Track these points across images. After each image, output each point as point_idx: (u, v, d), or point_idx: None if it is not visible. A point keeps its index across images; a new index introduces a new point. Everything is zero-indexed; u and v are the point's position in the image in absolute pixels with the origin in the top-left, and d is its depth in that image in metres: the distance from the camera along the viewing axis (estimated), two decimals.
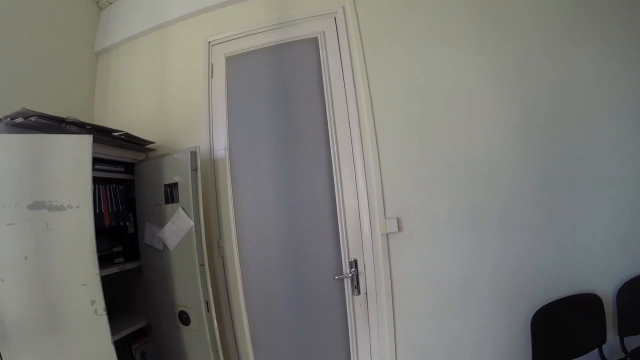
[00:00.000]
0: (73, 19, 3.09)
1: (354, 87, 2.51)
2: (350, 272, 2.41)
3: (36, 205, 1.85)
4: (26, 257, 1.81)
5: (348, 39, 2.58)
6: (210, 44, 2.86)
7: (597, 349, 2.23)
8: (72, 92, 2.99)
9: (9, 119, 2.02)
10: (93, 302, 1.91)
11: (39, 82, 2.65)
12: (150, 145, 2.71)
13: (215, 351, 2.28)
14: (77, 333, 1.89)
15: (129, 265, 2.48)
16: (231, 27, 2.83)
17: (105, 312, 1.92)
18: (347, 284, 2.43)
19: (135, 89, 3.06)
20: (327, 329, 2.47)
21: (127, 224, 2.54)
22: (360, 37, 2.56)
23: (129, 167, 2.64)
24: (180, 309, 2.37)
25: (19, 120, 2.02)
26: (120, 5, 3.30)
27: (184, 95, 2.85)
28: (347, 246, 2.44)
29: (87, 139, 2.01)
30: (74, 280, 1.90)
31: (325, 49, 2.62)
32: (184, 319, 2.36)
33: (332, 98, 2.54)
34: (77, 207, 1.93)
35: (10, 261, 1.80)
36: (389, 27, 2.56)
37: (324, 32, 2.64)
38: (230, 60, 2.81)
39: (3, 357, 1.72)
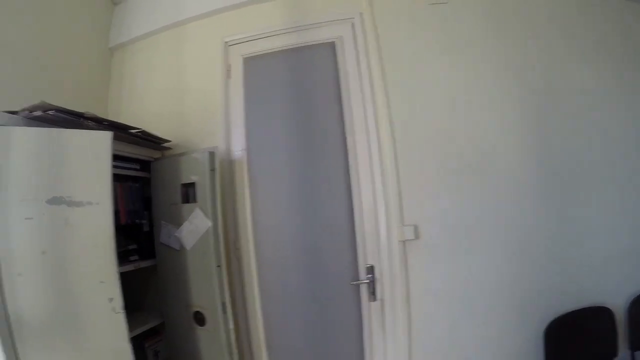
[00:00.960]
0: (87, 13, 3.02)
1: (372, 92, 2.48)
2: (367, 278, 2.36)
3: (55, 201, 1.79)
4: (44, 252, 1.75)
5: (366, 44, 2.55)
6: (228, 44, 2.81)
7: None
8: (86, 87, 2.90)
9: (27, 111, 1.96)
10: (111, 300, 1.85)
11: (53, 76, 2.56)
12: (166, 144, 2.65)
13: (231, 353, 2.24)
14: (94, 330, 1.83)
15: (144, 264, 2.41)
16: (249, 28, 2.78)
17: (123, 310, 1.86)
18: (363, 290, 2.39)
19: (151, 86, 2.99)
20: (342, 334, 2.43)
21: (143, 222, 2.49)
22: (378, 43, 2.54)
23: (144, 164, 2.58)
24: (195, 309, 2.32)
25: (38, 113, 1.96)
26: (135, 1, 3.23)
27: (201, 95, 2.79)
28: (364, 252, 2.40)
29: (107, 135, 1.95)
30: (92, 277, 1.84)
31: (343, 54, 2.59)
32: (199, 319, 2.31)
33: (349, 103, 2.52)
34: (97, 203, 1.86)
35: (28, 256, 1.73)
36: (406, 34, 2.55)
37: (341, 37, 2.61)
38: (248, 62, 2.76)
39: (19, 353, 1.66)
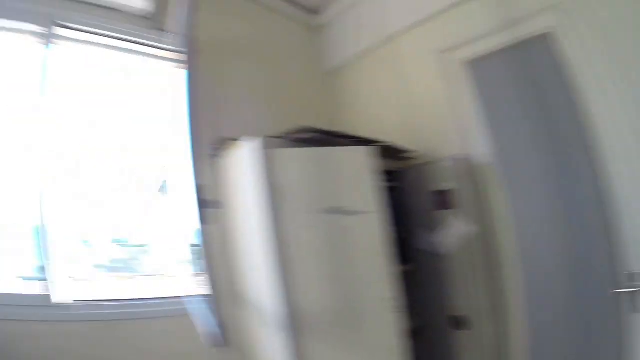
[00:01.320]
0: (297, 47, 3.47)
1: (599, 79, 2.18)
2: (630, 286, 2.08)
3: (331, 210, 2.00)
4: (326, 256, 1.98)
5: (580, 30, 2.26)
6: (444, 50, 2.81)
7: None
8: (313, 110, 3.28)
9: (290, 135, 2.20)
10: (387, 299, 2.00)
11: (279, 106, 2.96)
12: (407, 154, 2.77)
13: (493, 357, 2.24)
14: (369, 327, 2.00)
15: (405, 267, 2.53)
16: (460, 32, 2.74)
17: (399, 310, 2.01)
18: (626, 300, 2.11)
19: (373, 101, 3.20)
20: (603, 346, 2.23)
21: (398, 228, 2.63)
22: (592, 25, 2.22)
23: (390, 174, 2.70)
24: (455, 313, 2.38)
25: (303, 135, 2.22)
26: (337, 26, 3.52)
27: (426, 103, 2.86)
28: (627, 257, 2.11)
29: (368, 150, 2.14)
30: (368, 278, 2.03)
31: (562, 44, 2.34)
32: (460, 323, 2.36)
33: (583, 93, 2.24)
34: (369, 212, 2.05)
35: (312, 259, 1.97)
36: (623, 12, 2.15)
37: (554, 27, 2.37)
38: (468, 65, 2.74)
39: (302, 344, 1.85)
